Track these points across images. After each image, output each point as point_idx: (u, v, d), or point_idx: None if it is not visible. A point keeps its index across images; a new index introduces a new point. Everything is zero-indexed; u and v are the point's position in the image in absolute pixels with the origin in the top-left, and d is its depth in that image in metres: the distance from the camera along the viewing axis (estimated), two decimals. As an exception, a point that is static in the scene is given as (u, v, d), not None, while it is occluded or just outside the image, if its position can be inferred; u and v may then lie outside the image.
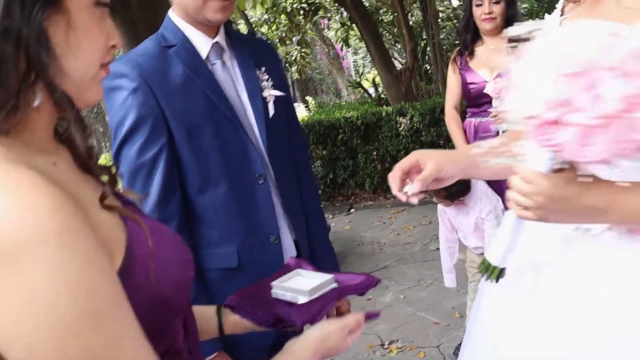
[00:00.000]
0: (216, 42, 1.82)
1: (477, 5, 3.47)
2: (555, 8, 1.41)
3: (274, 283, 1.32)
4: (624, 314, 1.16)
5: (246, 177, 1.80)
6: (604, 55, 0.92)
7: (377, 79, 11.59)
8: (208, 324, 1.24)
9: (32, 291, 0.65)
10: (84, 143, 0.85)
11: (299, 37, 12.18)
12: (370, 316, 1.25)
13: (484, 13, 3.45)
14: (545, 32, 1.02)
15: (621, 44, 0.94)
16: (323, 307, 1.24)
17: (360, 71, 19.14)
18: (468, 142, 3.51)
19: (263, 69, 1.89)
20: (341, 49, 13.89)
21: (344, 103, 11.97)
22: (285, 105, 1.95)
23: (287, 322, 1.22)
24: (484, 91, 3.43)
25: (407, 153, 6.16)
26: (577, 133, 0.94)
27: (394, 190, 1.44)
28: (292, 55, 12.72)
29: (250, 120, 1.84)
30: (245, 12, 9.88)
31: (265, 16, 11.62)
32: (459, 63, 3.61)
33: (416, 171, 1.43)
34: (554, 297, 1.27)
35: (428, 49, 9.64)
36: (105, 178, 0.91)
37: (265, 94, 1.87)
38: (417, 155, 1.45)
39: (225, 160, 1.77)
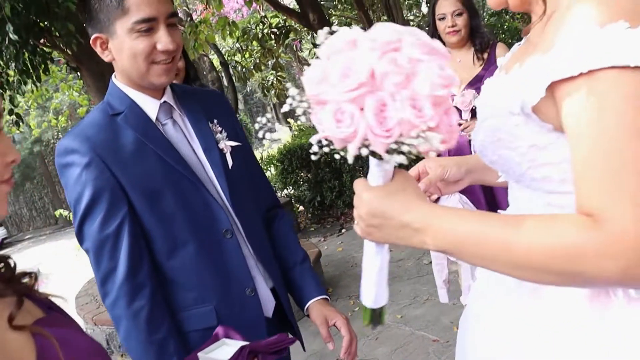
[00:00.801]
0: (164, 102, 1.80)
1: (440, 19, 3.48)
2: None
3: (199, 354, 1.36)
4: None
5: (213, 234, 1.77)
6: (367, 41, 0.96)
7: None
8: None
9: None
10: None
11: (274, 62, 12.25)
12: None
13: (448, 26, 3.46)
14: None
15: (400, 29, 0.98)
16: None
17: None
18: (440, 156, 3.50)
19: (215, 121, 1.87)
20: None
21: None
22: (243, 153, 1.94)
23: None
24: (453, 104, 3.42)
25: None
26: (330, 110, 0.96)
27: None
28: (268, 81, 12.78)
29: (210, 175, 1.81)
30: (216, 43, 9.90)
31: (237, 45, 11.69)
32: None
33: (424, 174, 1.50)
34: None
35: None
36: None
37: (221, 145, 1.85)
38: (423, 162, 1.51)
39: (190, 220, 1.74)
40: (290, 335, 1.51)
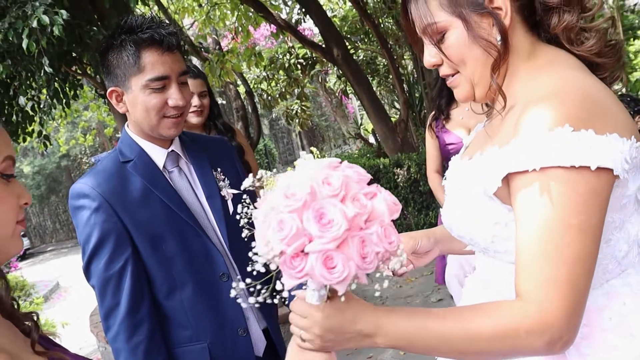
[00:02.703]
0: (172, 151, 1.95)
1: None
2: None
3: None
4: None
5: (210, 277, 1.90)
6: (322, 188, 1.05)
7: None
8: None
9: None
10: (7, 293, 0.96)
11: (299, 91, 12.45)
12: None
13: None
14: (279, 177, 1.15)
15: (338, 173, 1.07)
16: None
17: (364, 115, 19.38)
18: None
19: (219, 169, 2.02)
20: (346, 97, 14.15)
21: (344, 155, 12.13)
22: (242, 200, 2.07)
23: None
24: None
25: (406, 204, 6.27)
26: (319, 259, 1.02)
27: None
28: (293, 109, 13.00)
29: (211, 221, 1.95)
30: (242, 72, 10.13)
31: (264, 73, 11.91)
32: (435, 127, 3.72)
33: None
34: None
35: (423, 96, 9.82)
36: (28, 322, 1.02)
37: (224, 193, 1.99)
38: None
39: (189, 264, 1.87)
40: None
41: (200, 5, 9.50)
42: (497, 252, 1.28)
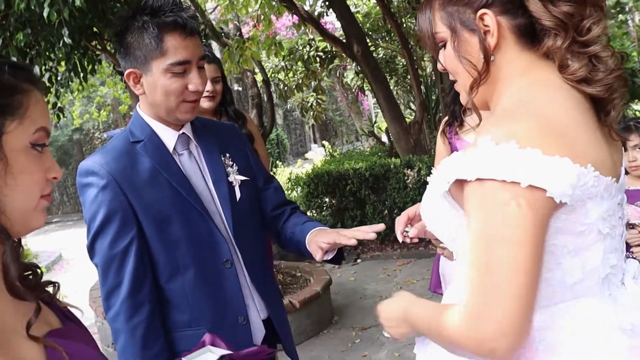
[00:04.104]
0: (182, 134, 1.95)
1: None
2: None
3: (183, 358, 1.44)
4: None
5: (214, 263, 1.91)
6: None
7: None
8: None
9: None
10: (16, 271, 0.96)
11: (316, 84, 12.42)
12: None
13: None
14: None
15: None
16: None
17: (378, 114, 19.35)
18: None
19: (228, 154, 2.02)
20: (362, 93, 14.11)
21: (356, 152, 12.10)
22: (253, 185, 2.08)
23: None
24: None
25: (413, 204, 6.20)
26: None
27: (397, 229, 1.77)
28: (308, 102, 12.98)
29: (217, 206, 1.95)
30: (261, 60, 10.11)
31: (283, 63, 11.88)
32: (448, 133, 3.70)
33: (419, 218, 1.68)
34: None
35: (440, 99, 9.79)
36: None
37: (231, 178, 2.00)
38: (415, 207, 1.75)
39: (193, 248, 1.88)
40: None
41: (223, -9, 9.46)
42: (456, 253, 1.37)
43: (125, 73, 1.87)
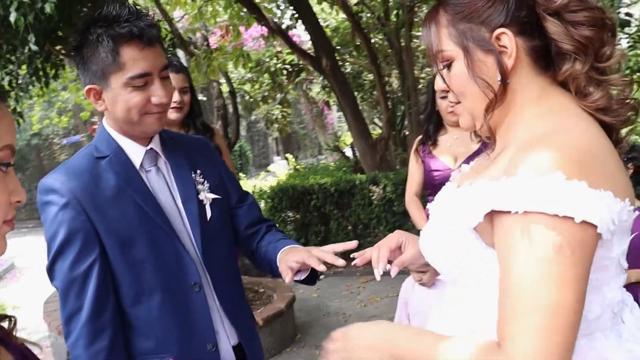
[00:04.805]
0: (150, 149, 1.84)
1: (442, 98, 3.54)
2: None
3: None
4: None
5: (181, 287, 1.80)
6: None
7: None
8: None
9: None
10: None
11: (282, 97, 12.37)
12: None
13: (450, 105, 3.51)
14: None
15: None
16: None
17: (344, 128, 19.36)
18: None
19: (198, 171, 1.91)
20: (328, 107, 14.09)
21: (321, 167, 12.06)
22: (225, 203, 1.98)
23: None
24: (450, 179, 3.46)
25: (379, 222, 6.28)
26: None
27: (375, 265, 1.57)
28: (273, 114, 12.92)
29: (186, 226, 1.84)
30: (227, 71, 10.00)
31: (249, 75, 11.81)
32: (421, 152, 3.67)
33: (398, 252, 1.60)
34: None
35: (406, 116, 9.80)
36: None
37: (202, 196, 1.89)
38: (401, 237, 1.62)
39: (160, 270, 1.77)
40: None
41: (192, 0, 9.35)
42: (465, 285, 1.27)
43: (85, 89, 1.75)
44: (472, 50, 1.22)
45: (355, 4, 9.23)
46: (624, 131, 1.25)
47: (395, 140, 10.04)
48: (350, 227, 7.78)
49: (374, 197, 7.55)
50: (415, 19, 9.35)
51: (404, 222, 7.50)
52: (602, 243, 1.08)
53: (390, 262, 1.59)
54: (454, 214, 1.24)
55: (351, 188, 7.68)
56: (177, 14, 10.45)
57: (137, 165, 1.81)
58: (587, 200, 1.02)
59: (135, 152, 1.82)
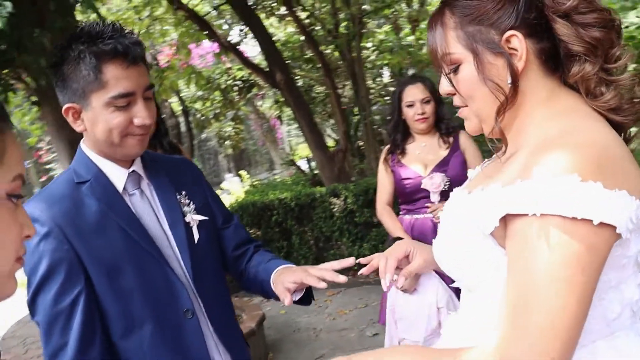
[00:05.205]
0: (133, 171, 1.75)
1: (409, 106, 3.55)
2: None
3: None
4: None
5: (173, 314, 1.71)
6: None
7: (310, 154, 11.71)
8: None
9: None
10: None
11: (234, 113, 12.28)
12: None
13: (417, 114, 3.52)
14: None
15: None
16: None
17: (294, 142, 19.36)
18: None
19: (183, 192, 1.84)
20: (280, 122, 14.03)
21: (278, 181, 11.97)
22: (212, 224, 1.90)
23: None
24: (422, 186, 3.47)
25: (341, 234, 6.27)
26: None
27: (382, 275, 1.54)
28: (226, 132, 12.80)
29: (174, 250, 1.76)
30: (179, 89, 9.88)
31: (200, 92, 11.68)
32: (390, 161, 3.66)
33: (405, 262, 1.59)
34: None
35: (360, 127, 9.83)
36: None
37: (188, 219, 1.81)
38: (409, 246, 1.60)
39: (149, 299, 1.67)
40: None
41: (140, 19, 9.22)
42: (483, 293, 1.25)
43: (64, 108, 1.66)
44: (482, 53, 1.21)
45: (306, 18, 9.23)
46: (633, 130, 1.26)
47: (352, 152, 10.04)
48: (312, 241, 7.72)
49: (335, 210, 7.51)
50: (364, 30, 9.42)
51: (366, 233, 7.50)
52: (620, 242, 1.07)
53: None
54: (468, 221, 1.22)
55: (312, 201, 7.62)
56: (123, 33, 10.29)
57: (120, 188, 1.72)
58: (603, 202, 1.01)
59: (117, 175, 1.73)
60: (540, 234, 1.04)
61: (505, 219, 1.11)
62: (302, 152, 13.61)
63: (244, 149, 24.71)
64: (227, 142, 12.85)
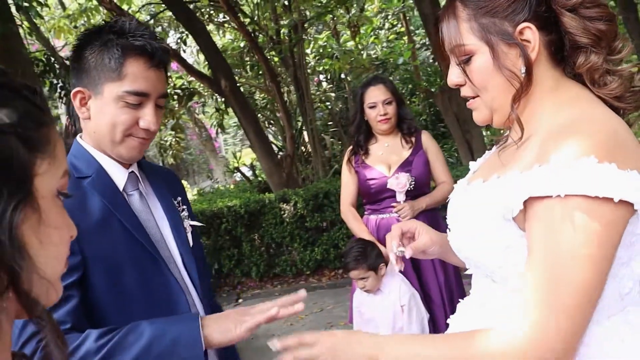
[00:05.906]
0: (132, 172, 1.71)
1: (371, 107, 3.59)
2: None
3: None
4: None
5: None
6: None
7: (254, 161, 11.65)
8: None
9: None
10: (62, 356, 0.73)
11: (174, 122, 12.09)
12: None
13: (380, 114, 3.56)
14: None
15: None
16: None
17: (232, 150, 19.20)
18: None
19: (179, 198, 1.83)
20: (215, 132, 13.88)
21: (225, 189, 11.84)
22: (196, 234, 1.88)
23: None
24: (388, 186, 3.51)
25: (292, 239, 6.27)
26: None
27: (389, 245, 1.63)
28: (167, 141, 12.59)
29: (174, 254, 1.72)
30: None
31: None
32: (354, 162, 3.69)
33: (409, 237, 1.65)
34: None
35: (304, 132, 9.86)
36: None
37: (185, 224, 1.79)
38: (416, 224, 1.66)
39: (149, 300, 1.61)
40: None
41: (75, 27, 9.00)
42: (502, 278, 1.29)
43: (73, 91, 1.61)
44: (496, 45, 1.26)
45: (248, 24, 9.19)
46: (632, 116, 1.34)
47: (299, 157, 10.06)
48: (263, 248, 7.68)
49: (285, 215, 7.51)
50: (305, 37, 9.46)
51: (317, 238, 7.54)
52: (631, 220, 1.13)
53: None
54: (488, 208, 1.26)
55: (261, 208, 7.59)
56: (59, 43, 10.01)
57: (121, 187, 1.68)
58: (620, 181, 1.07)
59: (118, 174, 1.68)
60: (565, 215, 1.09)
61: (526, 203, 1.16)
62: (244, 159, 13.52)
63: (181, 159, 24.41)
64: (169, 152, 12.63)
